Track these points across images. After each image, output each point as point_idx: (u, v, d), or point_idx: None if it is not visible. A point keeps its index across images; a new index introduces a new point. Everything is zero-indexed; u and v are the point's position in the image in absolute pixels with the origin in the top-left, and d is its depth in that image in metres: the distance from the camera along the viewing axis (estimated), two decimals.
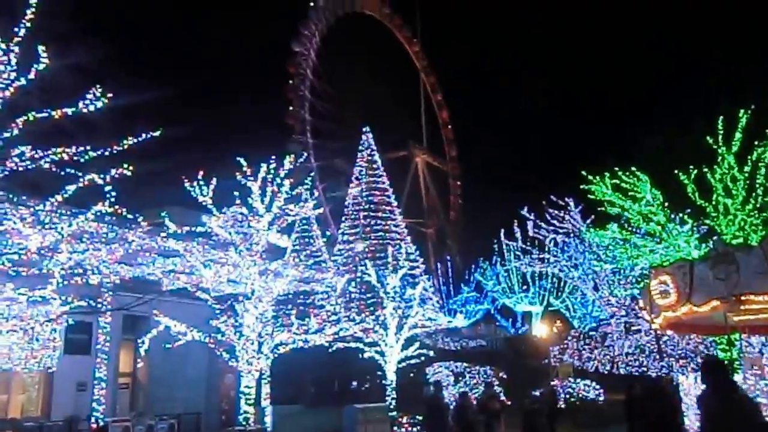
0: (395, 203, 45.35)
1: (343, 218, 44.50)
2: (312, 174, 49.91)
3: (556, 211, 29.92)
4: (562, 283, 42.00)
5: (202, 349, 19.36)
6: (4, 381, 20.71)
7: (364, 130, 45.85)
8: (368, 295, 35.86)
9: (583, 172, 20.37)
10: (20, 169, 12.93)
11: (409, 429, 22.36)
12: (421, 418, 21.02)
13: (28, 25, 12.59)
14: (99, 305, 18.69)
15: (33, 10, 12.57)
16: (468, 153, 79.06)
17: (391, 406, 24.83)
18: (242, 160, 18.68)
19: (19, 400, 21.01)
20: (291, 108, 54.65)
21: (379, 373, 27.70)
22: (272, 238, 20.06)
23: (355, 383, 35.19)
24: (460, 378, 28.79)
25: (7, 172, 12.85)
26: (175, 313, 18.03)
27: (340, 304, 34.61)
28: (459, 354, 38.51)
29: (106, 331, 21.03)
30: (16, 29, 12.64)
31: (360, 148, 45.43)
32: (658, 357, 26.18)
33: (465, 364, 29.80)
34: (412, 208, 62.09)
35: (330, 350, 24.19)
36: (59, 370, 20.40)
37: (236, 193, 18.60)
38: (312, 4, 58.63)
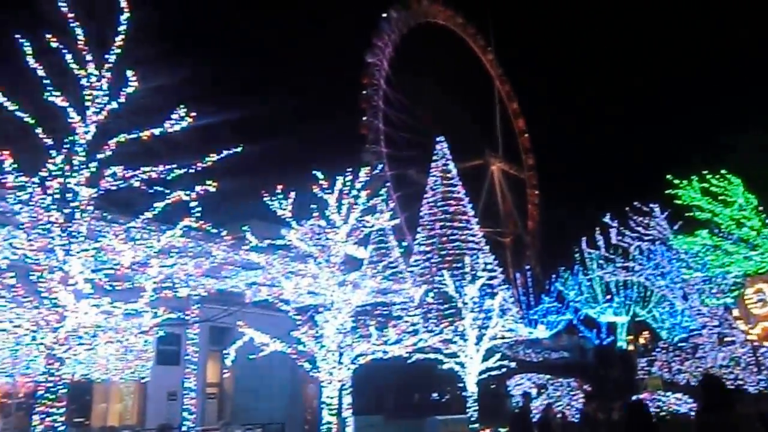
0: (471, 212, 44.99)
1: (419, 228, 44.49)
2: (387, 184, 50.31)
3: (641, 218, 28.87)
4: (648, 293, 40.40)
5: (284, 360, 19.73)
6: (103, 391, 21.80)
7: (438, 139, 45.80)
8: (446, 306, 35.65)
9: (669, 177, 19.58)
10: (113, 188, 13.66)
11: None
12: (504, 430, 20.62)
13: (118, 51, 13.32)
14: (187, 317, 19.40)
15: (122, 36, 13.30)
16: (545, 161, 77.69)
17: (473, 418, 24.52)
18: (319, 174, 19.01)
19: (116, 408, 22.08)
20: (365, 118, 55.27)
21: (460, 384, 27.43)
22: (350, 250, 20.26)
23: (435, 395, 34.98)
24: (543, 390, 28.13)
25: (101, 192, 13.59)
26: (258, 324, 18.46)
27: (419, 315, 34.55)
28: (541, 365, 37.64)
29: (194, 342, 21.83)
30: (106, 56, 13.41)
31: (434, 157, 45.39)
32: (755, 370, 24.70)
33: (547, 376, 29.09)
34: (489, 217, 61.43)
35: (409, 361, 24.14)
36: (152, 380, 21.33)
37: (314, 206, 18.92)
38: (385, 15, 59.26)
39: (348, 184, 19.25)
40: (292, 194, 18.36)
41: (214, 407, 24.09)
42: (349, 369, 19.85)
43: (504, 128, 72.33)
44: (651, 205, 28.75)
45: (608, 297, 44.87)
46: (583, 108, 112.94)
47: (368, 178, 19.58)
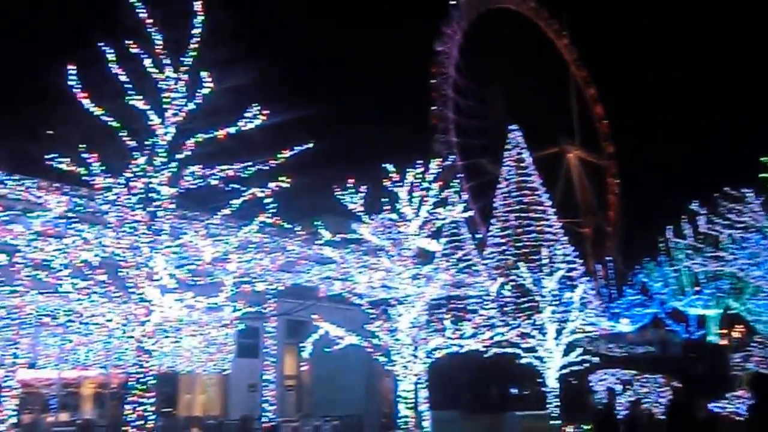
0: (548, 203, 44.01)
1: (493, 220, 43.91)
2: (458, 175, 49.92)
3: (733, 204, 27.39)
4: (742, 284, 38.34)
5: (360, 353, 19.94)
6: (188, 382, 22.74)
7: (511, 128, 44.97)
8: (523, 299, 35.07)
9: (764, 159, 18.47)
10: (192, 186, 14.17)
11: None
12: (588, 427, 20.08)
13: (193, 54, 13.79)
14: (264, 311, 19.91)
15: (197, 39, 13.76)
16: (625, 148, 74.92)
17: (553, 414, 24.03)
18: (389, 167, 19.03)
19: (200, 399, 22.98)
20: (434, 108, 54.79)
21: (539, 379, 26.96)
22: (422, 243, 20.21)
23: (513, 390, 34.50)
24: (629, 386, 27.25)
25: (182, 190, 14.13)
26: (333, 318, 18.73)
27: (495, 309, 34.14)
28: (626, 360, 36.43)
29: (271, 336, 22.40)
30: (182, 59, 13.91)
31: (507, 146, 44.60)
32: None
33: (633, 372, 28.14)
34: (566, 207, 59.77)
35: (486, 355, 23.88)
36: (233, 372, 22.06)
37: (385, 199, 18.98)
38: (454, 2, 58.42)
39: (419, 176, 19.19)
40: (363, 188, 18.47)
41: (293, 399, 24.63)
42: (424, 363, 19.82)
43: (581, 115, 70.22)
44: (743, 191, 27.22)
45: (697, 289, 42.94)
46: (666, 90, 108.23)
47: (439, 170, 19.46)
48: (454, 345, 20.24)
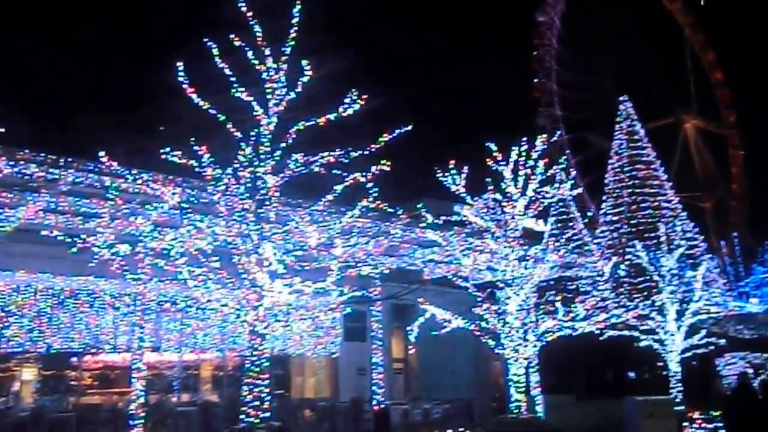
0: (664, 176, 41.51)
1: (604, 197, 41.99)
2: (565, 150, 47.99)
3: None
4: None
5: (468, 337, 19.74)
6: (299, 365, 23.45)
7: (621, 99, 42.69)
8: (640, 279, 33.41)
9: None
10: (296, 174, 14.47)
11: (704, 426, 20.21)
12: (717, 414, 18.87)
13: (292, 43, 14.00)
14: (370, 295, 20.12)
15: (295, 28, 13.95)
16: (748, 116, 69.44)
17: (677, 399, 22.82)
18: (492, 145, 18.58)
19: (311, 382, 23.64)
20: (537, 80, 53.00)
21: (659, 363, 25.67)
22: (528, 223, 19.65)
23: (631, 373, 33.08)
24: (762, 371, 25.43)
25: (286, 178, 14.46)
26: (438, 301, 18.63)
27: (609, 290, 32.79)
28: (756, 343, 33.97)
29: (378, 319, 22.64)
30: (282, 49, 14.16)
31: (618, 118, 42.39)
32: None
33: (765, 355, 26.19)
34: (685, 181, 56.14)
35: (601, 338, 22.97)
36: (341, 355, 22.53)
37: (489, 179, 18.57)
38: None
39: (523, 153, 18.61)
40: (466, 169, 18.16)
41: (401, 382, 24.82)
42: (535, 346, 19.33)
43: (698, 82, 65.61)
44: None
45: None
46: None
47: (545, 146, 18.79)
48: (566, 328, 19.60)
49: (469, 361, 24.77)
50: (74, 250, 13.40)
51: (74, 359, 19.78)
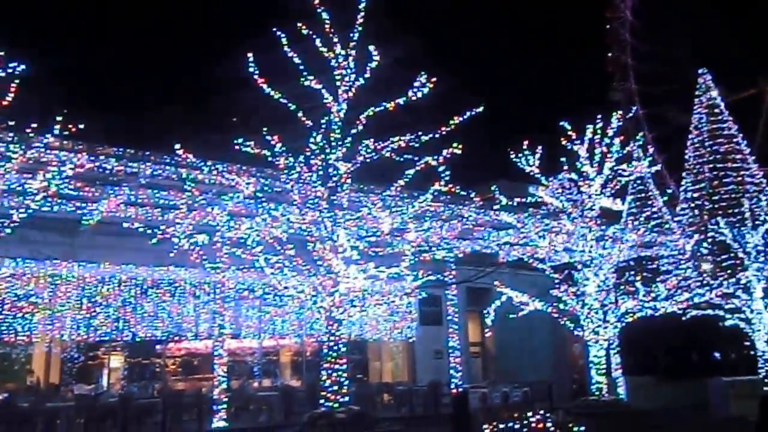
0: (747, 150, 39.41)
1: (684, 173, 40.26)
2: (641, 126, 46.16)
3: None
4: None
5: (545, 319, 19.42)
6: (376, 349, 23.60)
7: (699, 70, 40.72)
8: (724, 257, 31.93)
9: None
10: (367, 160, 14.43)
11: None
12: None
13: (360, 29, 13.91)
14: (445, 279, 20.00)
15: (362, 14, 13.84)
16: None
17: (766, 380, 21.82)
18: (566, 125, 18.07)
19: (388, 366, 23.76)
20: (610, 54, 51.04)
21: (747, 343, 24.56)
22: (606, 203, 19.07)
23: (716, 354, 31.78)
24: None
25: (358, 165, 14.44)
26: (514, 284, 18.42)
27: (691, 268, 31.53)
28: None
29: (453, 303, 22.53)
30: (350, 35, 14.09)
31: (696, 92, 40.49)
32: None
33: None
34: None
35: (684, 318, 22.14)
36: (417, 339, 22.54)
37: (563, 159, 18.08)
38: None
39: (599, 131, 18.03)
40: (539, 149, 17.73)
41: (479, 366, 24.67)
42: (615, 327, 18.84)
43: None
44: None
45: None
46: None
47: (620, 122, 18.14)
48: (647, 308, 19.00)
49: (548, 344, 24.41)
50: (155, 241, 13.83)
51: (158, 347, 20.51)
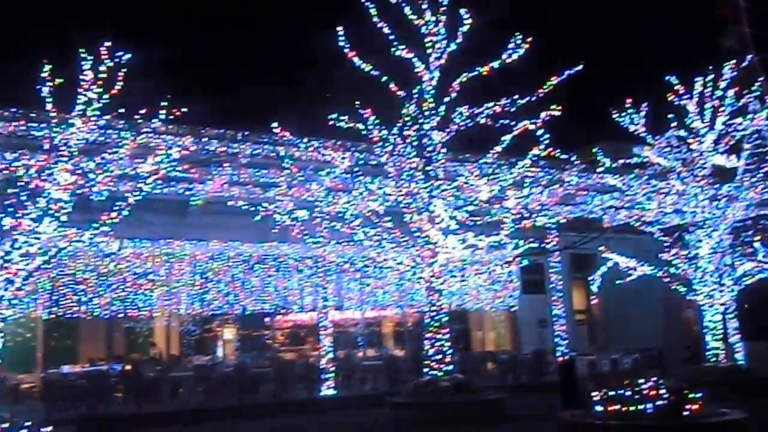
0: None
1: None
2: (757, 75, 42.80)
3: None
4: None
5: (655, 284, 18.59)
6: (478, 319, 23.54)
7: None
8: None
9: None
10: (462, 128, 14.21)
11: None
12: None
13: None
14: (547, 246, 19.55)
15: None
16: None
17: None
18: (673, 79, 16.99)
19: (491, 336, 23.66)
20: None
21: None
22: (718, 160, 17.89)
23: None
24: None
25: (452, 133, 14.26)
26: (621, 249, 17.73)
27: None
28: None
29: (556, 270, 22.01)
30: (439, 0, 13.82)
31: None
32: None
33: None
34: None
35: None
36: (520, 308, 22.27)
37: (671, 116, 17.05)
38: None
39: (709, 83, 16.83)
40: (644, 106, 16.80)
41: (585, 333, 24.09)
42: (732, 291, 17.81)
43: None
44: None
45: None
46: None
47: (734, 72, 16.85)
48: None
49: (658, 309, 23.45)
50: (258, 218, 14.33)
51: (267, 319, 21.38)
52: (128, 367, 17.04)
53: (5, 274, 9.03)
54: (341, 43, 13.79)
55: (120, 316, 18.09)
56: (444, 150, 14.44)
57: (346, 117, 13.61)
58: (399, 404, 13.44)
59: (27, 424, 8.68)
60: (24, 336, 17.50)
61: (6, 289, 9.05)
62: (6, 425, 8.45)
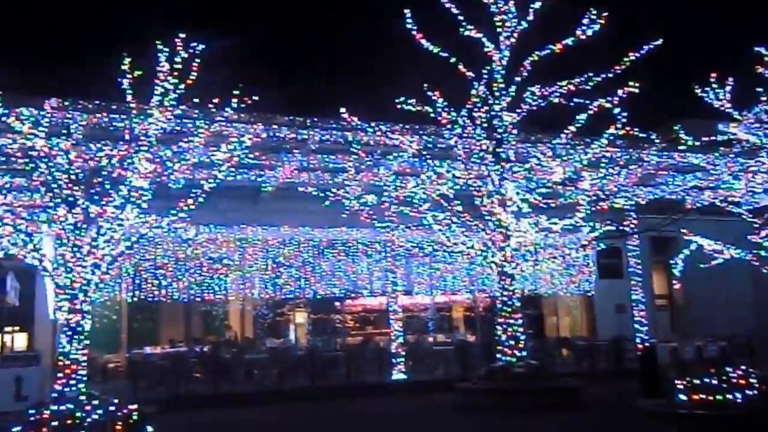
0: None
1: None
2: None
3: None
4: None
5: (743, 268, 17.61)
6: (552, 304, 23.02)
7: None
8: None
9: None
10: (534, 108, 13.79)
11: None
12: None
13: None
14: (625, 229, 18.81)
15: None
16: None
17: None
18: (762, 50, 15.88)
19: (566, 322, 23.08)
20: None
21: None
22: None
23: None
24: None
25: (524, 114, 13.85)
26: (705, 231, 16.91)
27: None
28: None
29: (635, 254, 21.17)
30: None
31: None
32: None
33: None
34: None
35: None
36: (597, 293, 21.60)
37: (760, 90, 15.97)
38: None
39: None
40: (730, 80, 15.80)
41: (666, 319, 23.14)
42: None
43: None
44: None
45: None
46: None
47: None
48: None
49: (747, 295, 22.23)
50: (327, 203, 14.40)
51: (337, 303, 21.61)
52: (206, 349, 17.59)
53: (92, 259, 9.38)
54: (409, 26, 13.59)
55: (197, 299, 18.68)
56: (515, 131, 14.07)
57: (414, 100, 13.41)
58: (471, 390, 13.26)
59: (115, 401, 9.04)
60: (110, 318, 18.34)
61: (93, 273, 9.41)
62: (96, 402, 8.83)
